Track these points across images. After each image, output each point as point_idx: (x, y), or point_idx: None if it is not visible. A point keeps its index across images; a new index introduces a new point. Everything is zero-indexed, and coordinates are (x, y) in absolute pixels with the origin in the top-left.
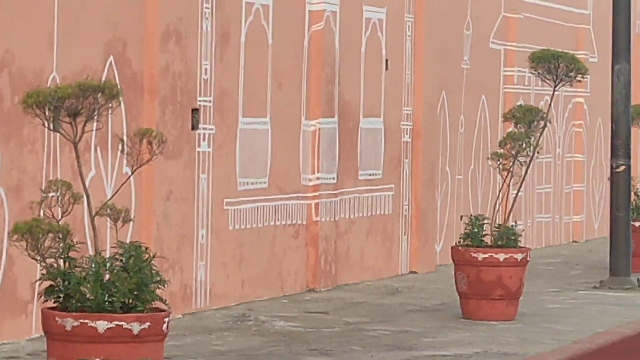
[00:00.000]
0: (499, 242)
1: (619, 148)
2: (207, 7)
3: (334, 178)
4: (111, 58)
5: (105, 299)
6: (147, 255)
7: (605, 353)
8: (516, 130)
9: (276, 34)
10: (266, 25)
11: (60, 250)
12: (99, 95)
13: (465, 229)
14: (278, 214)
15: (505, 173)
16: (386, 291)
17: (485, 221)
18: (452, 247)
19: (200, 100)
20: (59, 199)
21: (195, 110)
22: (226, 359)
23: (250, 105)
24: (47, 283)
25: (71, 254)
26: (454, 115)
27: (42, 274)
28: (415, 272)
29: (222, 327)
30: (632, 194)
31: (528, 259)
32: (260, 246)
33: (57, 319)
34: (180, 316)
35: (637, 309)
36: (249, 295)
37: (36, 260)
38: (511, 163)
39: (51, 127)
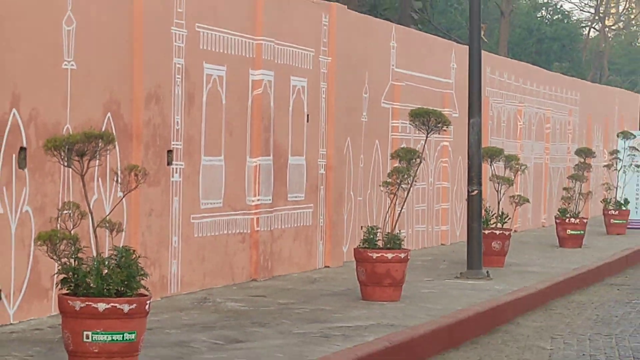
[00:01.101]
0: (388, 245)
1: (473, 178)
2: (178, 77)
3: (270, 199)
4: (109, 114)
5: (104, 287)
6: (134, 256)
7: (463, 324)
8: (400, 165)
9: (228, 96)
10: (221, 90)
11: (72, 252)
12: (99, 141)
13: (364, 235)
14: (230, 225)
15: (392, 196)
16: (307, 280)
17: (378, 230)
18: (354, 249)
19: (173, 144)
20: (71, 215)
21: (169, 152)
22: (192, 329)
23: (209, 147)
24: (62, 276)
25: (79, 255)
26: (356, 154)
27: (59, 269)
28: (328, 267)
29: (189, 307)
30: (482, 210)
31: (409, 257)
32: (217, 248)
33: (69, 301)
34: (159, 299)
35: (486, 293)
36: (209, 284)
37: (54, 259)
38: (396, 189)
39: (65, 164)
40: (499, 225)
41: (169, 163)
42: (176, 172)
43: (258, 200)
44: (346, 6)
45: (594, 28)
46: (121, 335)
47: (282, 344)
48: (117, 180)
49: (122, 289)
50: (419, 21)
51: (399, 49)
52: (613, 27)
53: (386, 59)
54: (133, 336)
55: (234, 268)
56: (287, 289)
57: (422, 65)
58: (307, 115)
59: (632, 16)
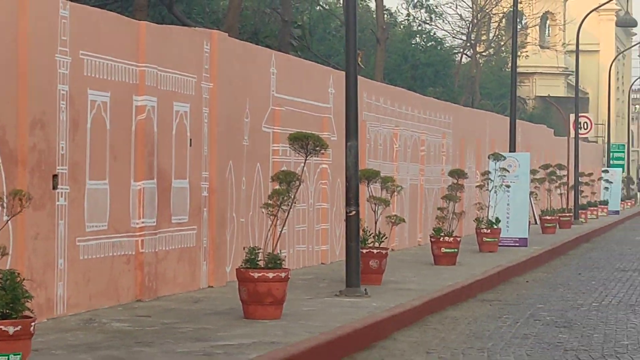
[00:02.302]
0: (269, 265)
1: (351, 199)
2: (62, 104)
3: (154, 222)
4: None
5: None
6: (19, 279)
7: (342, 340)
8: (280, 188)
9: (112, 122)
10: (105, 116)
11: None
12: None
13: (246, 256)
14: (115, 247)
15: (273, 217)
16: (191, 300)
17: (260, 251)
18: (237, 269)
19: (58, 169)
20: None
21: (55, 176)
22: (78, 349)
23: (94, 171)
24: None
25: None
26: (238, 177)
27: None
28: (212, 287)
29: (75, 327)
30: (360, 230)
31: (289, 276)
32: (102, 270)
33: None
34: (45, 320)
35: (364, 310)
36: (95, 305)
37: None
38: (277, 210)
39: None
40: (376, 244)
41: (55, 187)
42: (61, 196)
43: (142, 222)
44: (227, 34)
45: (466, 54)
46: (6, 357)
47: None
48: (2, 205)
49: (7, 311)
50: (298, 48)
51: (279, 75)
52: (484, 54)
53: (266, 85)
54: (18, 358)
55: (119, 289)
56: (172, 309)
57: (301, 91)
58: (190, 140)
59: (502, 43)
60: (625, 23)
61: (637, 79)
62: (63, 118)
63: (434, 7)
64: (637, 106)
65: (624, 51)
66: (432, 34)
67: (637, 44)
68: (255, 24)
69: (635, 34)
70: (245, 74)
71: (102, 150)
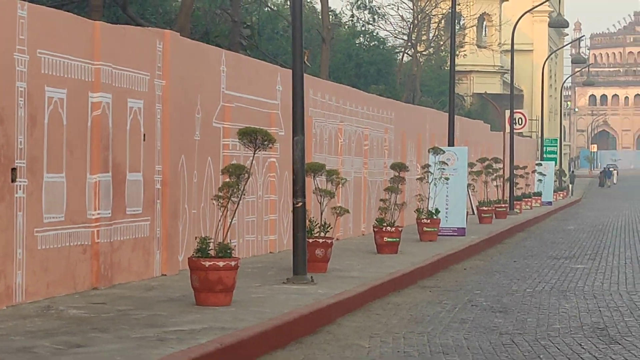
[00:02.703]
0: (220, 254)
1: (298, 191)
2: (21, 100)
3: (109, 213)
4: None
5: None
6: None
7: (289, 325)
8: (230, 180)
9: (69, 117)
10: (62, 112)
11: None
12: None
13: (198, 245)
14: (72, 238)
15: (223, 208)
16: (145, 288)
17: (211, 240)
18: (189, 258)
19: (17, 163)
20: None
21: (13, 169)
22: (36, 336)
23: (51, 165)
24: None
25: None
26: (190, 170)
27: None
28: (165, 275)
29: (33, 314)
30: (307, 221)
31: (239, 264)
32: (60, 259)
33: None
34: (4, 308)
35: (310, 296)
36: (52, 292)
37: None
38: (227, 202)
39: None
40: (322, 234)
41: (13, 180)
42: (20, 189)
43: (98, 214)
44: (179, 33)
45: (407, 53)
46: None
47: (120, 347)
48: None
49: None
50: (247, 47)
51: (229, 72)
52: (424, 53)
53: (217, 82)
54: None
55: (76, 278)
56: (126, 297)
57: (250, 88)
58: (144, 135)
59: (441, 43)
60: (557, 24)
61: (568, 77)
62: (21, 114)
63: (377, 9)
64: (568, 102)
65: (556, 50)
66: (375, 34)
67: (568, 43)
68: (206, 24)
69: (567, 35)
70: (196, 71)
71: (59, 145)
